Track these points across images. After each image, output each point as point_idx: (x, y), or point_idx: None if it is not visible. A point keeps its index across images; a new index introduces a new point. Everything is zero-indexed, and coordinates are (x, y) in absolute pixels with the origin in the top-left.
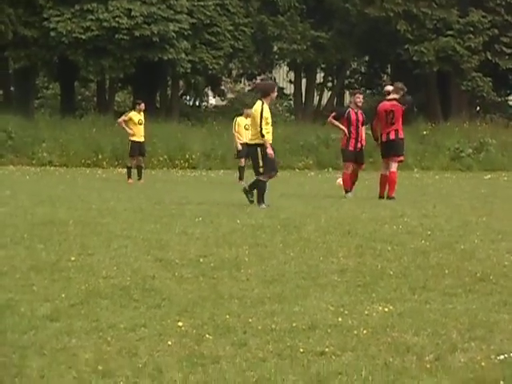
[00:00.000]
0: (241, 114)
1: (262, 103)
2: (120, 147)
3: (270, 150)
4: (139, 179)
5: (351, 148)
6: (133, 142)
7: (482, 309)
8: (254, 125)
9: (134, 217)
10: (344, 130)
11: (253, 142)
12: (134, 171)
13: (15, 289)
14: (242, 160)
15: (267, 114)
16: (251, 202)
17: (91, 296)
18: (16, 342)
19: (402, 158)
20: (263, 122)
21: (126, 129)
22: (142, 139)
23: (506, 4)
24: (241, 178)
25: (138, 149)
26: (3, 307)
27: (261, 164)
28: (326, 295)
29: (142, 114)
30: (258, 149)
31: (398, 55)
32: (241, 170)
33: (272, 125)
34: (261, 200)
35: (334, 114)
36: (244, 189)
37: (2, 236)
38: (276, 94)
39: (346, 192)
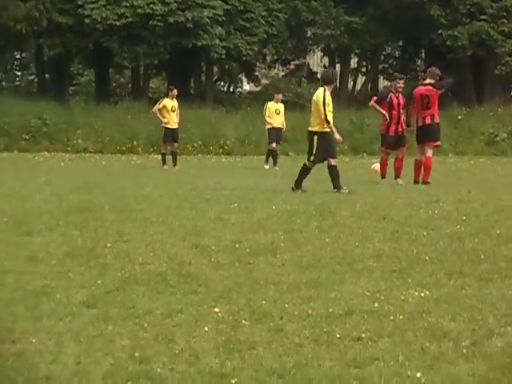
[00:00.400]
0: (272, 99)
1: (324, 90)
2: (155, 133)
3: (337, 136)
4: (174, 165)
5: (392, 133)
6: (166, 128)
7: None
8: (317, 112)
9: (170, 203)
10: (385, 115)
11: (312, 129)
12: (169, 157)
13: (51, 275)
14: (273, 144)
15: (329, 100)
16: (349, 191)
17: (127, 282)
18: (52, 329)
19: (438, 143)
20: (326, 109)
21: (160, 117)
22: (175, 126)
23: None
24: (273, 162)
25: (171, 135)
26: (39, 294)
27: (314, 152)
28: (362, 280)
29: (175, 100)
30: (315, 137)
31: (431, 40)
32: (270, 153)
33: (305, 110)
34: (299, 185)
35: (375, 97)
36: (335, 189)
37: (38, 223)
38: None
39: (382, 177)
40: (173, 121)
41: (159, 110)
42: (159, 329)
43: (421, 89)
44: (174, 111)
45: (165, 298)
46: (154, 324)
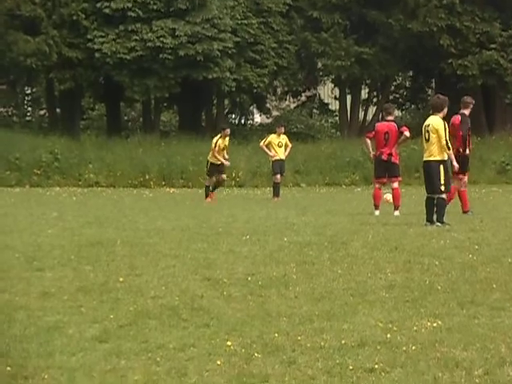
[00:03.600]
0: (274, 132)
1: (441, 117)
2: (166, 167)
3: (455, 163)
4: (212, 191)
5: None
6: (212, 164)
7: None
8: (437, 139)
9: (182, 236)
10: (370, 153)
11: (434, 159)
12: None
13: (63, 310)
14: (278, 176)
15: (447, 127)
16: (448, 224)
17: (140, 317)
18: (65, 364)
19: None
20: (447, 135)
21: (218, 156)
22: (219, 162)
23: None
24: (276, 195)
25: (216, 170)
26: (52, 329)
27: (442, 182)
28: (374, 311)
29: (227, 139)
30: (441, 166)
31: (441, 69)
32: (276, 186)
33: (317, 141)
34: (443, 218)
35: (370, 134)
36: (431, 222)
37: (50, 258)
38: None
39: (396, 209)
40: (223, 158)
41: (218, 151)
42: (172, 363)
43: (457, 118)
44: (224, 150)
45: (177, 331)
46: (166, 358)
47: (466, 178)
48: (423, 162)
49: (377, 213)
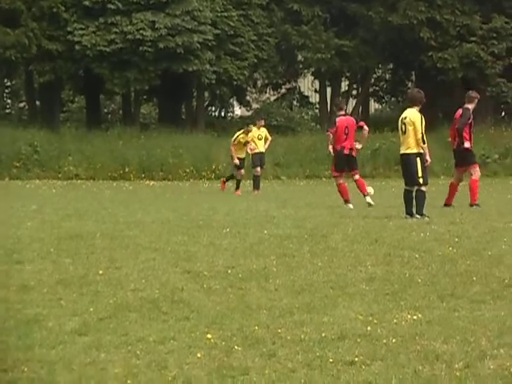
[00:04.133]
0: (254, 125)
1: (418, 110)
2: (146, 159)
3: (428, 157)
4: (236, 189)
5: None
6: (238, 158)
7: (511, 315)
8: (413, 132)
9: (162, 229)
10: (330, 148)
11: (411, 151)
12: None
13: (43, 303)
14: (258, 169)
15: (423, 121)
16: (428, 216)
17: (120, 309)
18: (44, 357)
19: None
20: (423, 129)
21: (234, 154)
22: (243, 155)
23: None
24: (256, 188)
25: (242, 164)
26: (31, 322)
27: (420, 174)
28: (354, 304)
29: (249, 134)
30: (418, 158)
31: (421, 62)
32: (256, 179)
33: (297, 134)
34: (422, 211)
35: (332, 130)
36: (410, 215)
37: (29, 250)
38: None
39: (366, 195)
40: (243, 151)
41: (235, 145)
42: (152, 356)
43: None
44: (245, 145)
45: (157, 324)
46: (146, 351)
47: (477, 168)
48: (400, 154)
49: (350, 206)
